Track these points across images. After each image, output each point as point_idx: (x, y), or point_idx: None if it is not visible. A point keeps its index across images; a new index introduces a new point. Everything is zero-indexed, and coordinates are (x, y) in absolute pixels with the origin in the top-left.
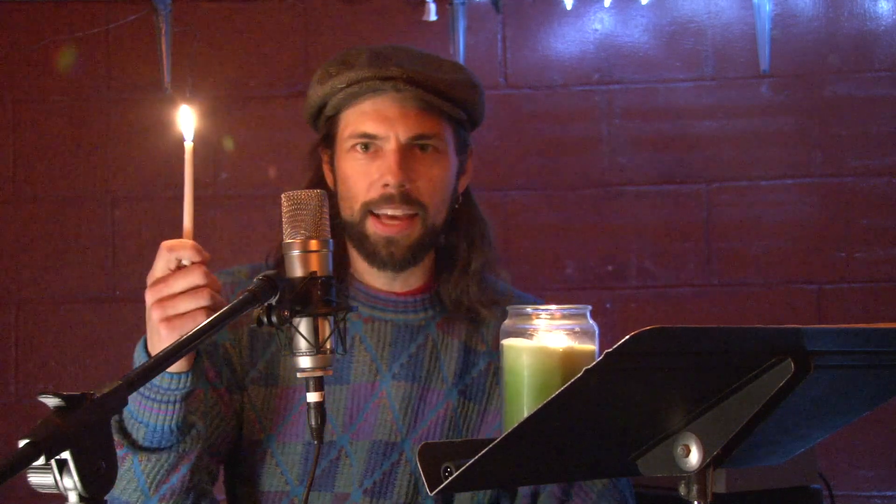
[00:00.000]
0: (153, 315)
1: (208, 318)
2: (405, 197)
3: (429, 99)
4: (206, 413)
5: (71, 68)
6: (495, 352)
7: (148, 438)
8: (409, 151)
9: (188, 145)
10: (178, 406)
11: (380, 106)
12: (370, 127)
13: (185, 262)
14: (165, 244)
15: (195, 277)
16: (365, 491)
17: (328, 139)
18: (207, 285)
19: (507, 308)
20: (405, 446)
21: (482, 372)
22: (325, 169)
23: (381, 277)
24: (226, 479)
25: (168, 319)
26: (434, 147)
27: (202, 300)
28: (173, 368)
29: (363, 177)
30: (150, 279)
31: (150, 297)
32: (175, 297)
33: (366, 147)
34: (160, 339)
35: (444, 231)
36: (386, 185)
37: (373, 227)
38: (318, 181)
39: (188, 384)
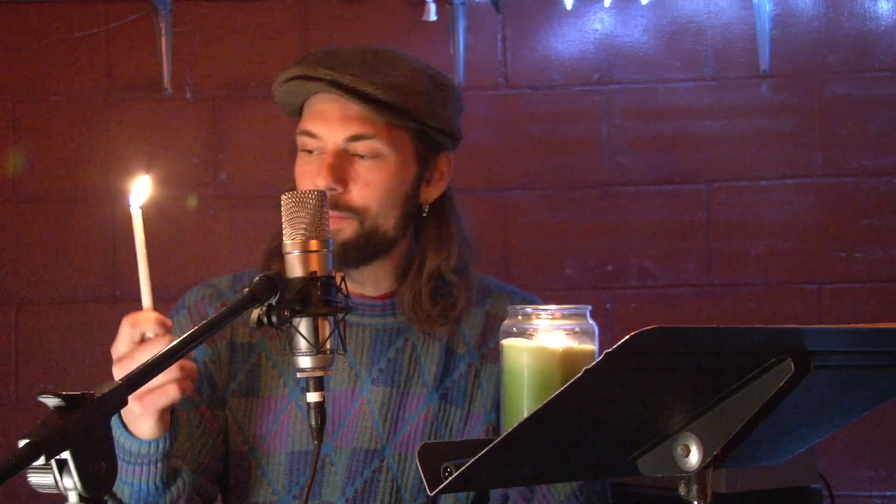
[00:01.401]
0: None
1: (181, 389)
2: (333, 202)
3: (355, 105)
4: (191, 433)
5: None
6: (476, 352)
7: (134, 497)
8: (345, 156)
9: (136, 212)
10: (159, 465)
11: (324, 106)
12: (311, 125)
13: (149, 335)
14: (127, 319)
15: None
16: (347, 500)
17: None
18: None
19: (508, 308)
20: (386, 453)
21: (462, 374)
22: None
23: (347, 280)
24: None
25: (139, 396)
26: (375, 152)
27: (172, 373)
28: (150, 435)
29: (306, 177)
30: (114, 354)
31: (117, 373)
32: None
33: (310, 149)
34: (135, 415)
35: (399, 237)
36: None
37: None
38: None
39: (167, 446)
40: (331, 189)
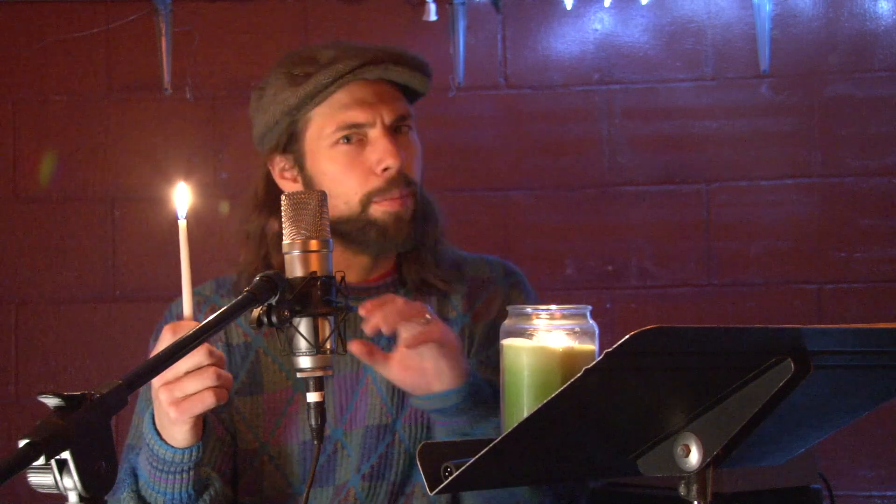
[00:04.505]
0: (161, 397)
1: (217, 396)
2: (406, 178)
3: (412, 78)
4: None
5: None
6: (466, 314)
7: None
8: (393, 134)
9: (182, 223)
10: (192, 473)
11: (358, 95)
12: (356, 116)
13: None
14: (169, 327)
15: (200, 357)
16: (363, 476)
17: (291, 143)
18: (213, 364)
19: (508, 308)
20: (397, 426)
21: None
22: (283, 177)
23: (358, 269)
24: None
25: (176, 402)
26: (409, 127)
27: (208, 380)
28: (184, 443)
29: (357, 167)
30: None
31: (156, 379)
32: (181, 378)
33: (348, 139)
34: (170, 420)
35: None
36: (386, 170)
37: (378, 210)
38: (269, 196)
39: (199, 454)
40: (401, 168)
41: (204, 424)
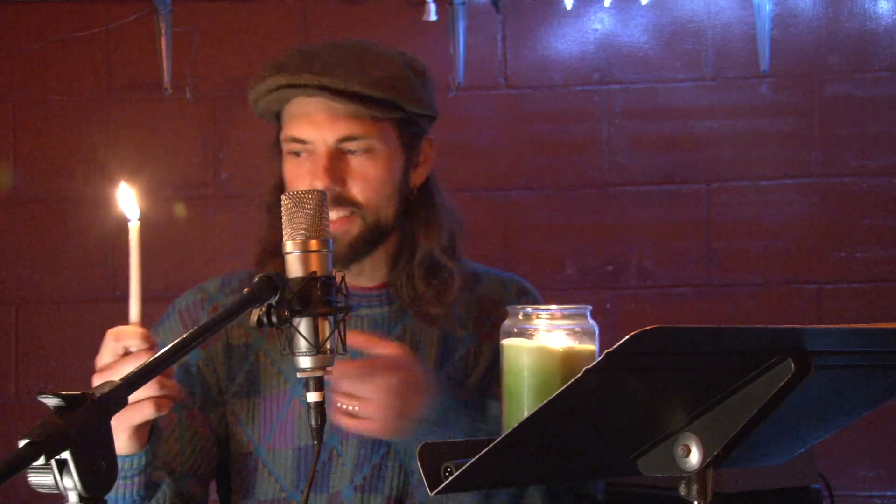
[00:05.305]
0: None
1: (157, 406)
2: (336, 199)
3: (341, 105)
4: (182, 436)
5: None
6: (474, 335)
7: None
8: (338, 155)
9: (133, 225)
10: (136, 479)
11: (309, 109)
12: (300, 131)
13: (132, 349)
14: (111, 332)
15: None
16: (356, 488)
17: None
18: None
19: (507, 308)
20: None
21: (461, 357)
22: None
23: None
24: (220, 494)
25: None
26: (367, 148)
27: (149, 389)
28: (125, 451)
29: (301, 180)
30: (97, 364)
31: (97, 383)
32: None
33: (298, 152)
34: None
35: (397, 225)
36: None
37: None
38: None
39: (143, 462)
40: (330, 190)
41: (154, 429)
